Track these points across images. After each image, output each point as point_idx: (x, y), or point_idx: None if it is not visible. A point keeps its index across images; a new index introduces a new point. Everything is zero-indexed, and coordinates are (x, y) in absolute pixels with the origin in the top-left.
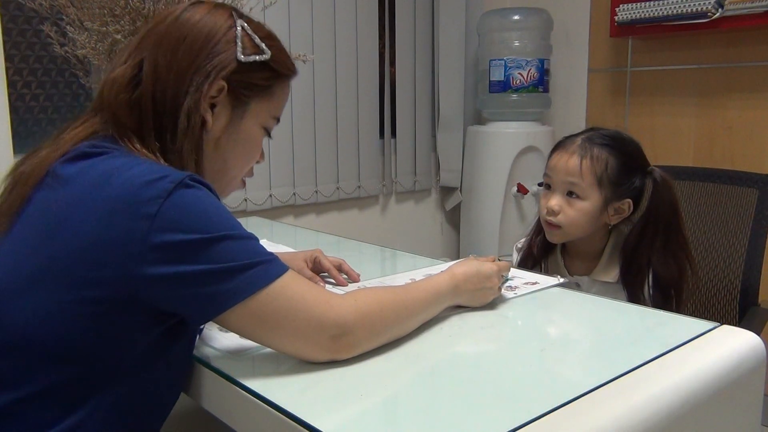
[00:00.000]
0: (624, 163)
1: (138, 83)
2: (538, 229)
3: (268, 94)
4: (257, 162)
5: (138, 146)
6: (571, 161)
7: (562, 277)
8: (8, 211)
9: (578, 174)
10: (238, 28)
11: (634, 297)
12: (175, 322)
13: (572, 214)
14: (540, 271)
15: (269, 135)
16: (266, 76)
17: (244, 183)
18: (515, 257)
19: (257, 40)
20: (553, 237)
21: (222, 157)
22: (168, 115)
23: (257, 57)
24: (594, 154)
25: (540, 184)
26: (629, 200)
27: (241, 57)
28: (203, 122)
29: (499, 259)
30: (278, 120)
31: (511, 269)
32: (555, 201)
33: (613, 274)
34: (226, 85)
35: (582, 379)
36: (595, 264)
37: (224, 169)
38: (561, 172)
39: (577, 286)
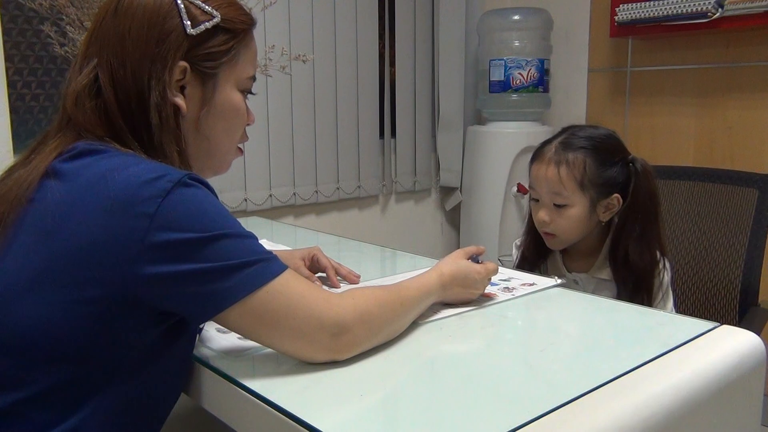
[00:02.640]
0: (602, 160)
1: (99, 90)
2: (528, 232)
3: (233, 58)
4: (247, 124)
5: (121, 149)
6: (549, 172)
7: (560, 275)
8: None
9: (559, 184)
10: (179, 0)
11: (622, 290)
12: (174, 322)
13: (563, 222)
14: (539, 272)
15: (251, 93)
16: (223, 39)
17: (241, 151)
18: (515, 254)
19: (202, 5)
20: (552, 245)
21: (206, 138)
22: (138, 114)
23: (207, 24)
24: (569, 160)
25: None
26: (617, 195)
27: (191, 31)
28: (177, 110)
29: (499, 260)
30: (254, 78)
31: (511, 271)
32: (543, 213)
33: (611, 271)
34: (187, 66)
35: (582, 379)
36: (594, 261)
37: (212, 148)
38: (543, 184)
39: (575, 284)
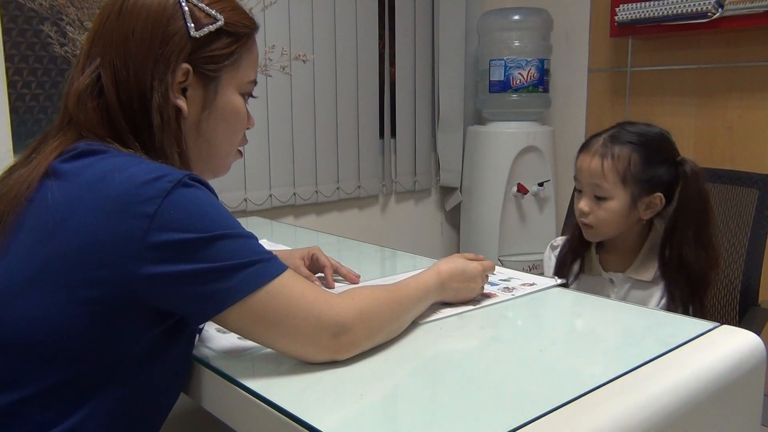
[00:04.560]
0: (648, 157)
1: (101, 90)
2: (576, 226)
3: (235, 62)
4: (247, 128)
5: (122, 149)
6: (593, 163)
7: (596, 273)
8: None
9: (601, 175)
10: (183, 2)
11: (672, 294)
12: (174, 322)
13: (602, 214)
14: (580, 268)
15: (252, 96)
16: (226, 43)
17: (240, 153)
18: (548, 255)
19: (206, 8)
20: (588, 236)
21: (206, 140)
22: (140, 115)
23: (210, 27)
24: (615, 153)
25: (540, 184)
26: (660, 194)
27: (195, 33)
28: (178, 111)
29: (499, 260)
30: (255, 81)
31: (511, 271)
32: (584, 203)
33: (649, 272)
34: (190, 68)
35: (582, 379)
36: (632, 261)
37: (211, 150)
38: (585, 175)
39: (611, 283)
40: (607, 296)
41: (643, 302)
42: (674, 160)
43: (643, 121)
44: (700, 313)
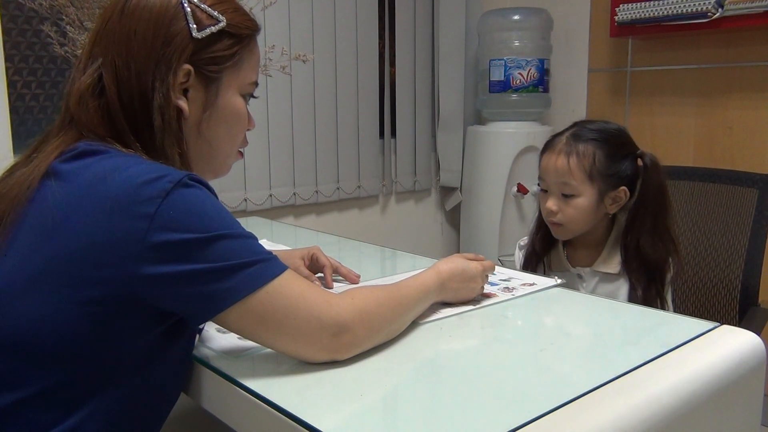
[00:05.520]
0: (611, 153)
1: (102, 90)
2: (538, 227)
3: (236, 63)
4: (248, 129)
5: (122, 150)
6: (559, 161)
7: (564, 270)
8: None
9: (568, 173)
10: (185, 3)
11: (632, 284)
12: (174, 322)
13: (571, 212)
14: (543, 266)
15: (254, 96)
16: (228, 44)
17: (241, 154)
18: (518, 255)
19: (208, 9)
20: (558, 235)
21: (207, 141)
22: (141, 114)
23: (213, 28)
24: (580, 151)
25: (539, 184)
26: (624, 188)
27: (197, 34)
28: (179, 112)
29: (499, 260)
30: (257, 83)
31: (511, 271)
32: (552, 202)
33: (615, 265)
34: (191, 69)
35: (582, 379)
36: (598, 254)
37: (213, 151)
38: (552, 174)
39: (579, 278)
40: (576, 291)
41: (612, 295)
42: (635, 154)
43: (600, 119)
44: (660, 302)
